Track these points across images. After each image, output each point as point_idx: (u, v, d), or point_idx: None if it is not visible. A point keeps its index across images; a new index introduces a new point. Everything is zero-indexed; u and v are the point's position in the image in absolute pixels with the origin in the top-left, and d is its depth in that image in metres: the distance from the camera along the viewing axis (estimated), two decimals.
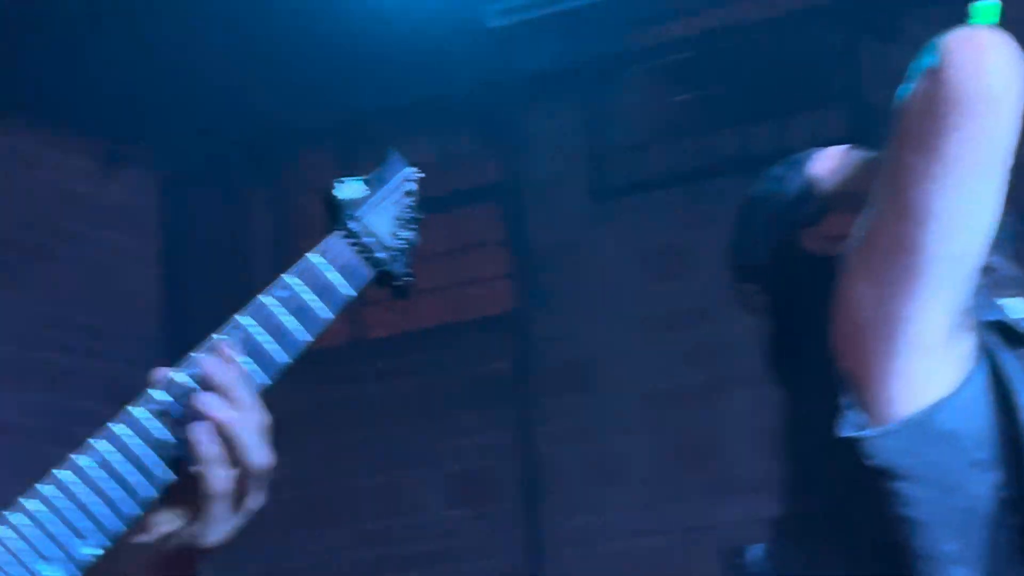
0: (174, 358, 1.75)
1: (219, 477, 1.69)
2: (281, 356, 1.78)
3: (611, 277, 7.69)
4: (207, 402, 1.71)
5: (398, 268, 1.84)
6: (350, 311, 7.20)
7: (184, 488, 1.70)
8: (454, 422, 7.94)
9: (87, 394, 7.32)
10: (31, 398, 7.36)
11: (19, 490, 1.65)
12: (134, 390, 1.73)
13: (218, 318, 1.80)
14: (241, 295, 1.84)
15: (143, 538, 1.73)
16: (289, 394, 7.45)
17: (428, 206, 1.90)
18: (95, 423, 1.72)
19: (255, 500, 1.73)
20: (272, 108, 7.82)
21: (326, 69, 7.37)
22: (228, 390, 1.71)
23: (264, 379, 1.78)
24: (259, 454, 1.72)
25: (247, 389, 1.73)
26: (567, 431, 7.71)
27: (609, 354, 7.64)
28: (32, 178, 7.59)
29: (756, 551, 2.81)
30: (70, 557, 1.63)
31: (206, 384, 1.71)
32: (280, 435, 6.92)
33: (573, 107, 7.80)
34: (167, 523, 1.73)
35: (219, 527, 1.70)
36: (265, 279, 1.81)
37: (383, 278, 1.84)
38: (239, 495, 1.70)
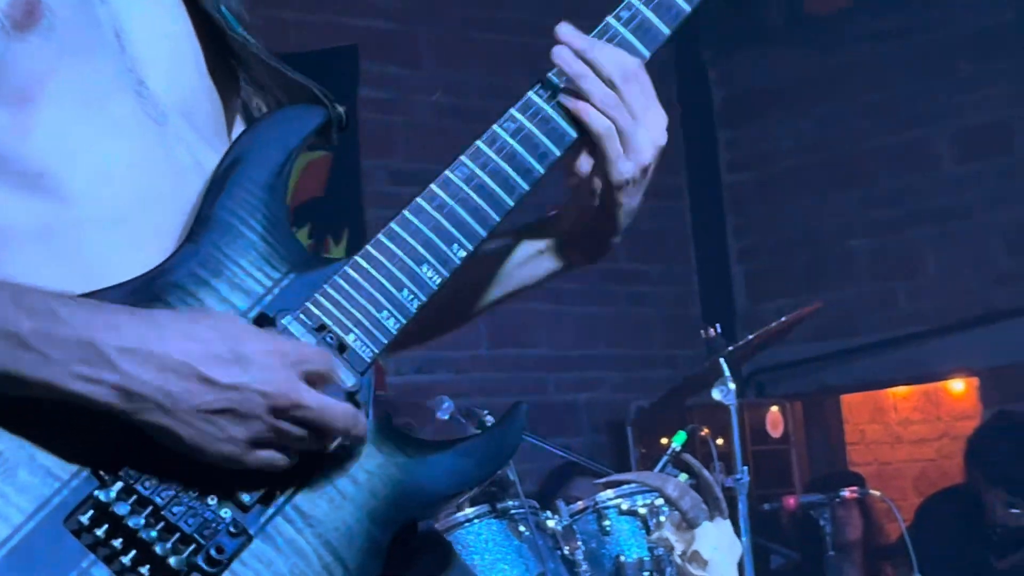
0: None
1: (601, 120, 1.90)
2: (664, 30, 1.96)
3: None
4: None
5: None
6: None
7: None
8: (959, 77, 7.86)
9: None
10: None
11: None
12: None
13: None
14: None
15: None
16: (795, 62, 7.63)
17: None
18: None
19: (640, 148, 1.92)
20: None
21: None
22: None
23: (645, 54, 1.94)
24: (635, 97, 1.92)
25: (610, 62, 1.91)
26: None
27: None
28: None
29: None
30: (443, 260, 1.83)
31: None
32: (788, 102, 7.06)
33: None
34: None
35: (619, 163, 1.91)
36: None
37: None
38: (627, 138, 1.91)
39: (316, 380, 1.71)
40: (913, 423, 9.56)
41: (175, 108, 1.88)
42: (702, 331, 5.49)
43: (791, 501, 5.97)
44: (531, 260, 2.05)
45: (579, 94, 1.90)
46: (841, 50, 8.23)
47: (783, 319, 6.02)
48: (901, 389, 9.31)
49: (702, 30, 8.46)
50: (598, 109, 1.90)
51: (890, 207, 8.07)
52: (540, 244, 2.04)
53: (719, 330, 5.44)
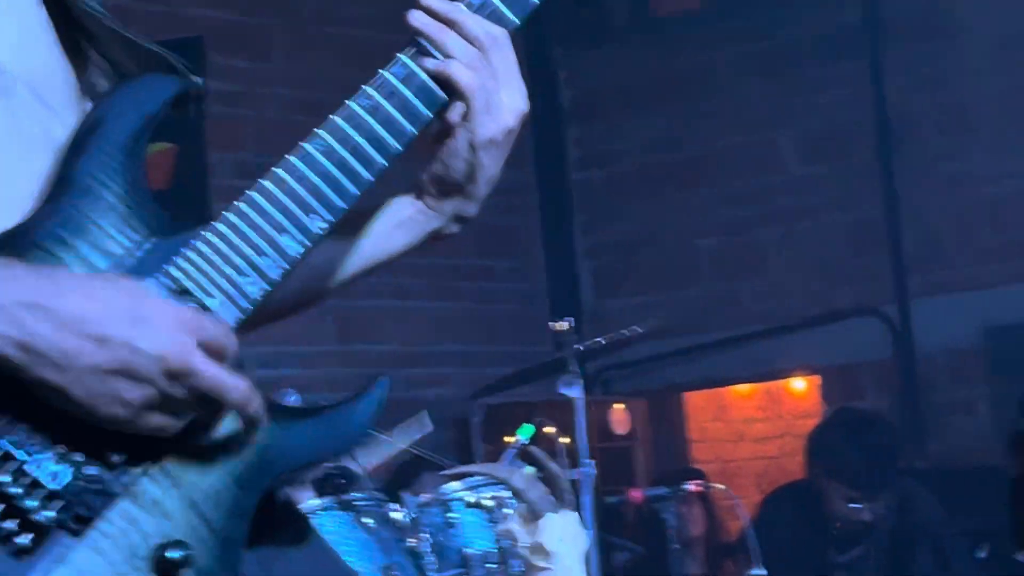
0: None
1: (466, 75, 1.91)
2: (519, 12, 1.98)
3: None
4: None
5: None
6: None
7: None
8: (805, 79, 7.97)
9: None
10: None
11: None
12: None
13: None
14: None
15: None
16: (644, 62, 7.72)
17: None
18: None
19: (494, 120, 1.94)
20: None
21: None
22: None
23: (515, 22, 1.96)
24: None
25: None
26: (919, 80, 7.66)
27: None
28: None
29: None
30: (302, 229, 1.84)
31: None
32: (637, 102, 7.13)
33: None
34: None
35: (484, 122, 1.93)
36: None
37: None
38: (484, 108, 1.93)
39: (213, 351, 1.70)
40: (756, 421, 9.68)
41: (22, 80, 1.84)
42: (551, 323, 5.50)
43: (636, 494, 6.00)
44: (390, 233, 2.04)
45: (443, 53, 1.92)
46: (688, 51, 8.32)
47: (638, 330, 6.05)
48: (744, 387, 9.42)
49: (552, 29, 8.49)
50: (463, 65, 1.91)
51: (736, 207, 8.17)
52: (399, 216, 2.03)
53: (570, 323, 5.45)
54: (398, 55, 1.93)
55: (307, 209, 1.85)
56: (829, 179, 7.92)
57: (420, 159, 2.00)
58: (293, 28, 7.69)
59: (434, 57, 1.91)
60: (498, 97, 1.93)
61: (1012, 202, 7.36)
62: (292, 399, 4.54)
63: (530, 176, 8.66)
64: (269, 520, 1.83)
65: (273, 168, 1.87)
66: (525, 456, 4.48)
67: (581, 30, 8.54)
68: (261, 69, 7.57)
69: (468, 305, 8.23)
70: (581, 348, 5.49)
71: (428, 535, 4.31)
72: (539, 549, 3.94)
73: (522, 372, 6.47)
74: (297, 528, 1.97)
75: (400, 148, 1.90)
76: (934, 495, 6.34)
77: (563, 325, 5.41)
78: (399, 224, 2.03)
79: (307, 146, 1.88)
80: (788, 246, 8.05)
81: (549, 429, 5.16)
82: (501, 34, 1.94)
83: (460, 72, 1.91)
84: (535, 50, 8.50)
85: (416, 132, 1.91)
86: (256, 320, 1.86)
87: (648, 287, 8.38)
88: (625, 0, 8.59)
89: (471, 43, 1.92)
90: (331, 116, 1.90)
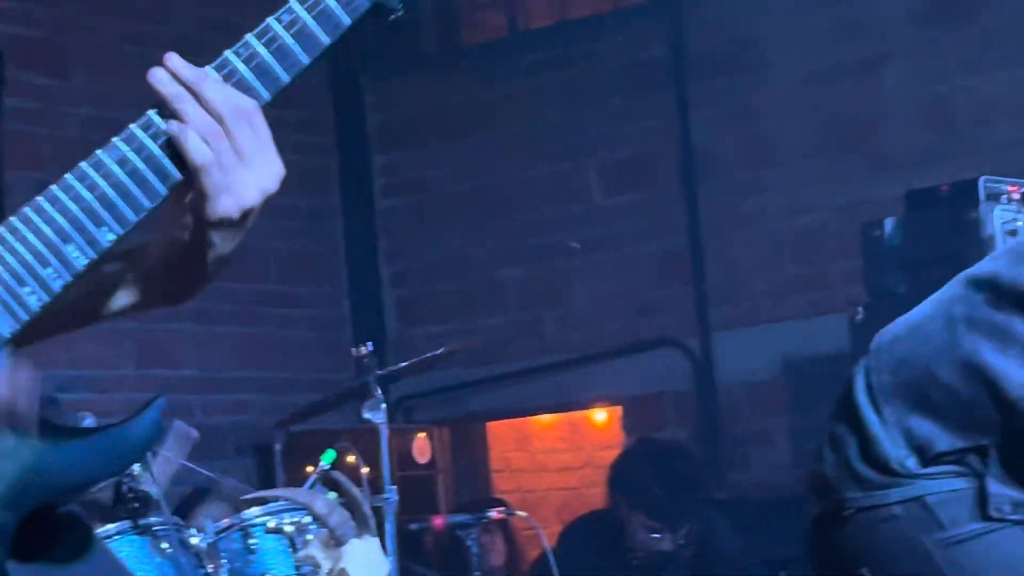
0: None
1: (200, 148, 1.82)
2: (283, 76, 1.88)
3: None
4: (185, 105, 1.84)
5: (392, 2, 1.93)
6: (508, 5, 7.25)
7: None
8: (612, 110, 8.02)
9: None
10: None
11: None
12: None
13: None
14: None
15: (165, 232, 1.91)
16: (452, 90, 7.71)
17: None
18: None
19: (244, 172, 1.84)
20: None
21: None
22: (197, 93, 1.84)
23: (265, 95, 1.87)
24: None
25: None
26: (723, 114, 7.75)
27: (764, 34, 7.62)
28: None
29: (892, 223, 2.90)
30: (91, 240, 1.78)
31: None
32: (444, 130, 7.11)
33: None
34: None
35: (217, 199, 1.82)
36: None
37: (378, 9, 1.92)
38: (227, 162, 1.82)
39: None
40: (557, 452, 9.70)
41: None
42: (353, 349, 5.47)
43: (438, 521, 5.98)
44: (111, 290, 1.93)
45: (180, 121, 1.82)
46: (496, 80, 8.33)
47: (438, 351, 6.03)
48: (546, 417, 9.43)
49: (360, 54, 8.45)
50: (199, 137, 1.81)
51: (540, 236, 8.19)
52: (123, 274, 1.93)
53: (371, 348, 5.42)
54: (148, 112, 1.86)
55: (97, 220, 1.80)
56: (634, 210, 7.96)
57: None
58: (94, 46, 7.55)
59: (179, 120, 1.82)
60: (239, 174, 1.81)
61: (811, 236, 7.47)
62: (87, 422, 4.42)
63: (335, 202, 8.59)
64: (46, 532, 1.76)
65: (65, 175, 1.81)
66: (327, 481, 4.42)
67: (389, 56, 8.51)
68: (60, 87, 7.42)
69: (271, 331, 8.14)
70: (382, 373, 5.46)
71: (226, 561, 4.23)
72: (341, 575, 3.88)
73: (325, 399, 6.41)
74: (78, 539, 1.89)
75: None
76: (733, 525, 6.39)
77: (364, 350, 5.38)
78: (124, 282, 1.92)
79: (101, 153, 1.83)
80: (591, 277, 8.08)
81: (352, 456, 5.12)
82: (249, 106, 1.83)
83: (193, 144, 1.81)
84: (342, 75, 8.45)
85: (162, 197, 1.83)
86: (37, 333, 1.79)
87: (452, 315, 8.36)
88: (434, 27, 8.58)
89: (211, 114, 1.81)
90: (130, 125, 1.86)
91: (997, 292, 2.27)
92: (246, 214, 1.83)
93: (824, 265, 7.36)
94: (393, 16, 1.94)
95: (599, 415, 9.19)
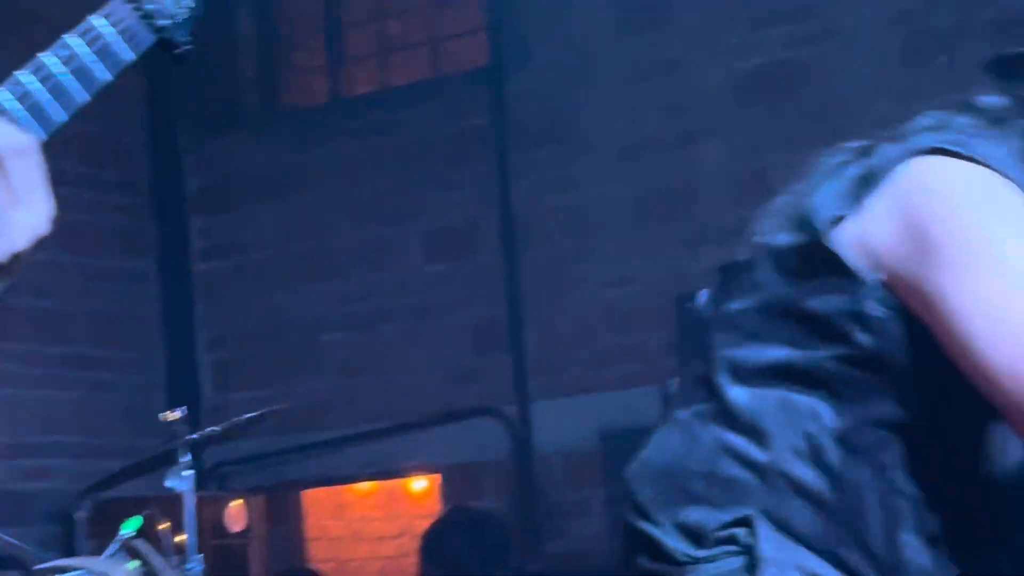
0: None
1: None
2: (59, 114, 1.80)
3: (586, 30, 7.68)
4: None
5: (179, 36, 1.88)
6: (330, 70, 7.23)
7: None
8: (433, 177, 8.01)
9: None
10: None
11: None
12: None
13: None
14: None
15: None
16: (272, 154, 7.62)
17: None
18: None
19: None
20: None
21: None
22: None
23: (40, 133, 1.78)
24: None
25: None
26: (544, 184, 7.77)
27: (585, 106, 7.67)
28: None
29: (704, 295, 2.90)
30: None
31: None
32: (264, 194, 7.01)
33: None
34: None
35: None
36: None
37: (164, 44, 1.88)
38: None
39: None
40: (374, 520, 9.60)
41: None
42: (162, 414, 5.36)
43: None
44: None
45: None
46: (318, 144, 8.28)
47: (251, 415, 5.94)
48: (364, 485, 9.34)
49: (179, 115, 8.35)
50: None
51: (361, 302, 8.13)
52: None
53: (183, 412, 5.32)
54: None
55: None
56: (454, 277, 7.95)
57: None
58: None
59: None
60: (10, 216, 1.71)
61: (629, 307, 7.50)
62: None
63: (151, 265, 8.46)
64: None
65: None
66: (129, 550, 4.31)
67: (209, 117, 8.42)
68: None
69: (80, 395, 7.96)
70: (190, 438, 5.36)
71: None
72: None
73: (133, 465, 6.28)
74: None
75: None
76: None
77: (175, 414, 5.28)
78: None
79: None
80: (410, 343, 8.04)
81: (163, 524, 5.01)
82: (26, 143, 1.74)
83: None
84: (160, 135, 8.34)
85: None
86: None
87: (270, 381, 8.25)
88: (255, 88, 8.52)
89: None
90: None
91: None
92: (16, 257, 1.73)
93: (641, 336, 7.39)
94: (179, 51, 1.88)
95: (418, 483, 9.12)
